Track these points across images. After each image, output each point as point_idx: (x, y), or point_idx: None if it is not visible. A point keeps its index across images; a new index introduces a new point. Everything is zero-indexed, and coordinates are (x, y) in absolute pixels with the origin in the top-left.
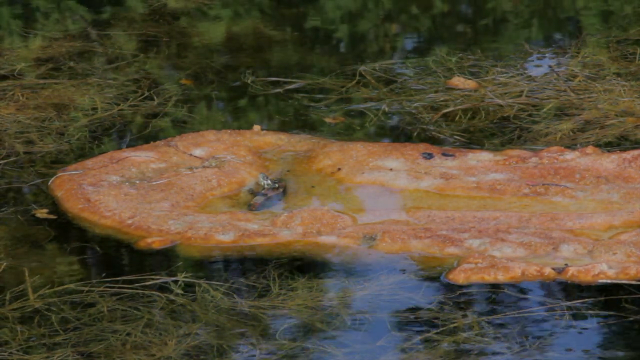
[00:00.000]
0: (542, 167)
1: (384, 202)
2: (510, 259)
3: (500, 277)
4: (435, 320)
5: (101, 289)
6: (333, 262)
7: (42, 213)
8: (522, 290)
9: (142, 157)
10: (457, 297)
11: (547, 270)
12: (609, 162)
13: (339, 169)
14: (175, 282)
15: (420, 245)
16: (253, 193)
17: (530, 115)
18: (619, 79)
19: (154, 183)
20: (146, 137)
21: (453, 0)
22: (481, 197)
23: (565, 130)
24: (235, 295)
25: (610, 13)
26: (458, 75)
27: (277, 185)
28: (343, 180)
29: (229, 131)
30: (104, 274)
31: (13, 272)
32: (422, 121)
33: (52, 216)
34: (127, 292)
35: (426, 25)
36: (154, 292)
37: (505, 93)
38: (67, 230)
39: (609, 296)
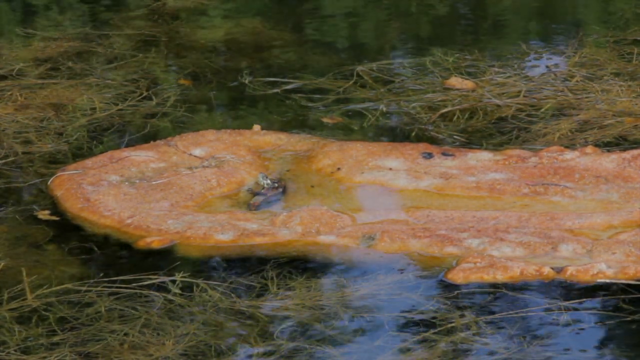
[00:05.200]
0: (542, 166)
1: (384, 202)
2: (509, 259)
3: (499, 277)
4: (434, 320)
5: (99, 288)
6: (332, 262)
7: (44, 214)
8: (521, 290)
9: (142, 157)
10: (456, 296)
11: (546, 270)
12: (609, 161)
13: (339, 169)
14: (174, 281)
15: (419, 245)
16: (252, 193)
17: (528, 115)
18: (616, 79)
19: (154, 183)
20: (145, 137)
21: (451, 1)
22: (481, 197)
23: (563, 130)
24: (233, 295)
25: (609, 13)
26: (455, 76)
27: (276, 185)
28: (343, 180)
29: (229, 131)
30: (102, 274)
31: (11, 272)
32: (420, 121)
33: (54, 217)
34: (125, 292)
35: (424, 26)
36: (152, 292)
37: (503, 93)
38: (66, 229)
39: (607, 296)
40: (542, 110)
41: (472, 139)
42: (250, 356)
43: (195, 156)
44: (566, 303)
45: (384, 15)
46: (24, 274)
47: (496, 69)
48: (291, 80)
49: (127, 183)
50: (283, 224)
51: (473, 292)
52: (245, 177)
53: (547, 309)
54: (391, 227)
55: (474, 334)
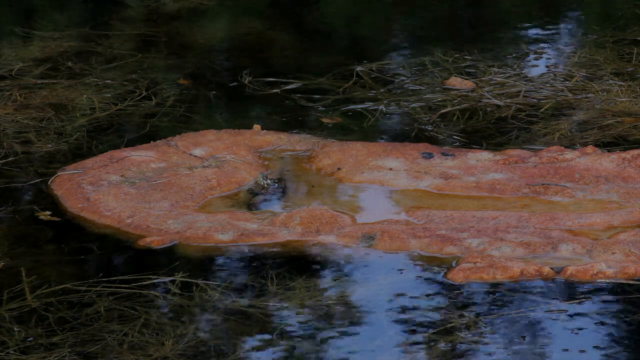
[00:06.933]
0: (542, 166)
1: (384, 202)
2: (509, 259)
3: (499, 277)
4: (434, 320)
5: (98, 288)
6: (332, 262)
7: (45, 215)
8: (521, 290)
9: (142, 157)
10: (456, 296)
11: (546, 270)
12: (609, 161)
13: (339, 169)
14: (173, 281)
15: (419, 245)
16: (253, 193)
17: (528, 115)
18: (616, 79)
19: (154, 183)
20: (144, 137)
21: (450, 0)
22: (481, 197)
23: (563, 131)
24: (233, 295)
25: (608, 13)
26: (455, 76)
27: (276, 184)
28: (343, 180)
29: (229, 131)
30: (101, 274)
31: (11, 272)
32: (420, 121)
33: (55, 218)
34: (124, 292)
35: (424, 26)
36: (151, 292)
37: (503, 93)
38: (66, 229)
39: (607, 296)
40: (542, 110)
41: (472, 139)
42: (250, 356)
43: (195, 156)
44: (566, 303)
45: (383, 15)
46: (24, 274)
47: (496, 69)
48: (291, 80)
49: (127, 183)
50: (283, 224)
51: (473, 292)
52: (245, 177)
53: (546, 309)
54: (391, 227)
55: (473, 334)
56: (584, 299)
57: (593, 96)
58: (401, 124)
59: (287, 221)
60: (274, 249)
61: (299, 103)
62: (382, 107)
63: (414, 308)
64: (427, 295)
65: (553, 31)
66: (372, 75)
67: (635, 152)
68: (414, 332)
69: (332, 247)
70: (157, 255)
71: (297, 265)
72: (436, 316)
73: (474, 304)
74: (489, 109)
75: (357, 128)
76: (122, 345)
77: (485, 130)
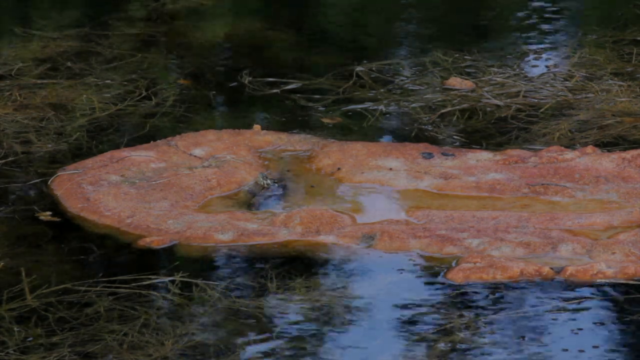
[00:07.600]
0: (542, 166)
1: (384, 202)
2: (509, 259)
3: (499, 277)
4: (434, 320)
5: (98, 288)
6: (331, 262)
7: (45, 216)
8: (521, 290)
9: (142, 157)
10: (456, 296)
11: (546, 270)
12: (609, 161)
13: (339, 169)
14: (173, 281)
15: (419, 245)
16: (253, 193)
17: (528, 115)
18: (616, 79)
19: (154, 183)
20: (144, 137)
21: (450, 0)
22: (481, 197)
23: (562, 131)
24: (233, 295)
25: (607, 13)
26: (455, 76)
27: (276, 184)
28: (343, 180)
29: (229, 131)
30: (101, 274)
31: (11, 272)
32: (419, 121)
33: (55, 218)
34: (124, 292)
35: (424, 26)
36: (151, 292)
37: (502, 93)
38: (66, 229)
39: (607, 296)
40: (542, 110)
41: (472, 139)
42: (250, 356)
43: (195, 156)
44: (566, 303)
45: (383, 16)
46: (24, 274)
47: (496, 69)
48: (291, 80)
49: (127, 183)
50: (283, 224)
51: (473, 292)
52: (245, 177)
53: (546, 309)
54: (391, 227)
55: (473, 334)
56: (583, 299)
57: (593, 96)
58: (401, 124)
59: (287, 221)
60: (275, 249)
61: (299, 103)
62: (382, 107)
63: (414, 308)
64: (427, 296)
65: (553, 31)
66: (372, 75)
67: (635, 152)
68: (414, 332)
69: (332, 247)
70: (157, 255)
71: (297, 265)
72: (436, 316)
73: (474, 304)
74: (488, 109)
75: (357, 128)
76: (122, 345)
77: (485, 130)
